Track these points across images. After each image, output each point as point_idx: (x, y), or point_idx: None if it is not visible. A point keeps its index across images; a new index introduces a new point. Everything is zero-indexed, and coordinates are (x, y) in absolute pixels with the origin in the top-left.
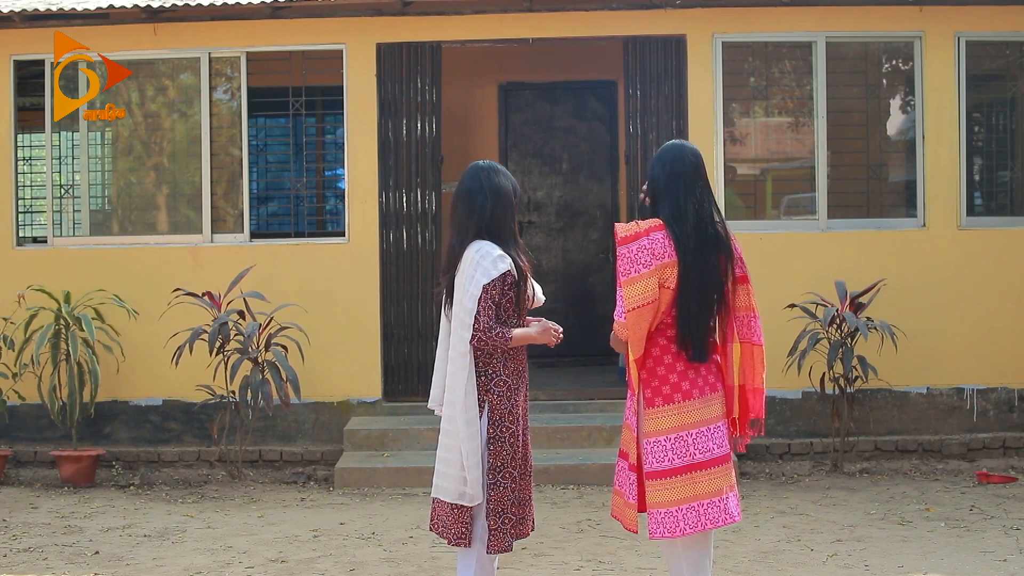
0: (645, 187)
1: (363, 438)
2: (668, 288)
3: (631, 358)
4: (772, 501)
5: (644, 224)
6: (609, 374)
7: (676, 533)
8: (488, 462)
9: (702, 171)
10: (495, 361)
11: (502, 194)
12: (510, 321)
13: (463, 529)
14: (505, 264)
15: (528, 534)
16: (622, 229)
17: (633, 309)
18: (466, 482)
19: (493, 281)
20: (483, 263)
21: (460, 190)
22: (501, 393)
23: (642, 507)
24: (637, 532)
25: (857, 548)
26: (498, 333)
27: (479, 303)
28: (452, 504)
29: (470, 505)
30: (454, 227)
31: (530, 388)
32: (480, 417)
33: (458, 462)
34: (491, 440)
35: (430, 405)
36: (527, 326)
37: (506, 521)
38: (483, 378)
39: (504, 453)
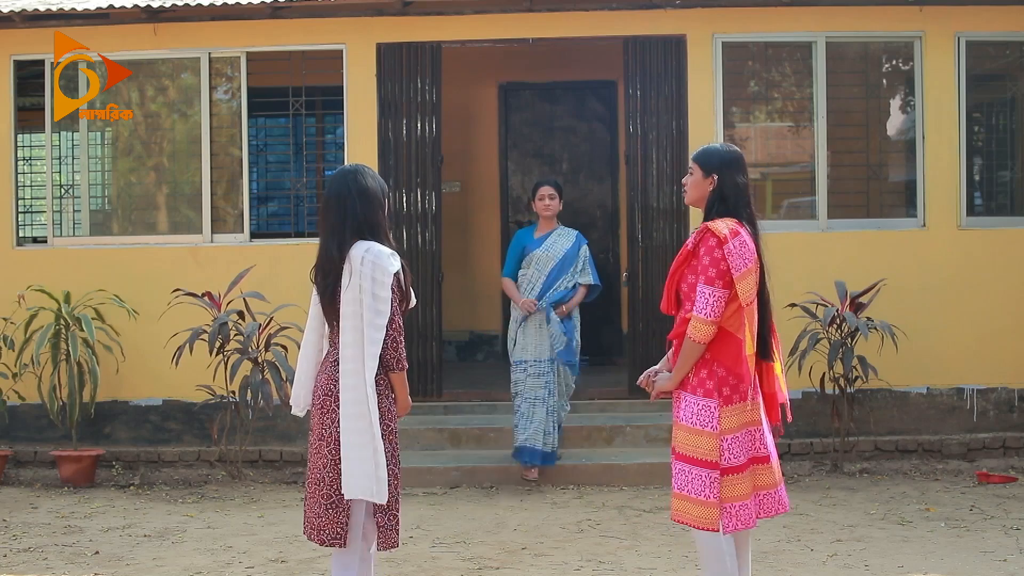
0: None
1: None
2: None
3: (745, 353)
4: None
5: (731, 223)
6: (609, 374)
7: (750, 524)
8: None
9: None
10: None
11: (371, 196)
12: (396, 319)
13: (338, 529)
14: (398, 261)
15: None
16: (721, 227)
17: (748, 304)
18: (377, 479)
19: (397, 272)
20: (380, 261)
21: (329, 195)
22: (381, 392)
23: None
24: (718, 529)
25: (857, 548)
26: (402, 349)
27: (392, 292)
28: (327, 505)
29: (348, 500)
30: (327, 232)
31: None
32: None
33: (372, 459)
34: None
35: (295, 411)
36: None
37: (391, 518)
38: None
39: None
